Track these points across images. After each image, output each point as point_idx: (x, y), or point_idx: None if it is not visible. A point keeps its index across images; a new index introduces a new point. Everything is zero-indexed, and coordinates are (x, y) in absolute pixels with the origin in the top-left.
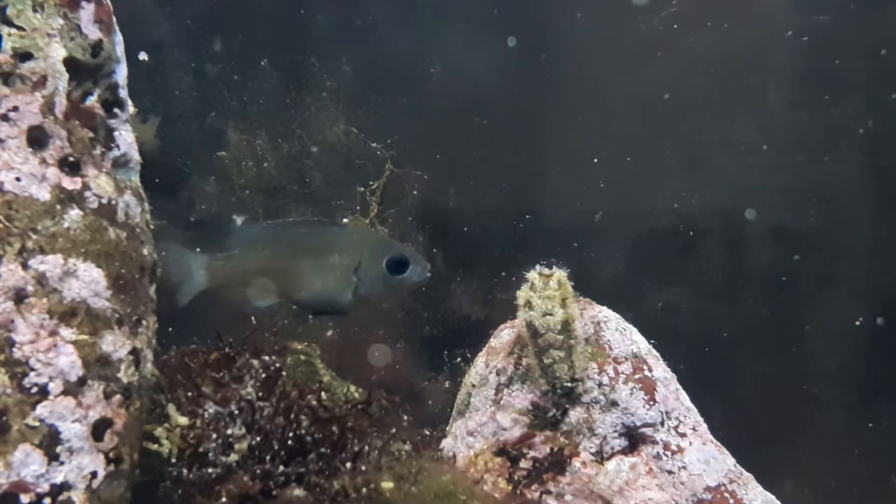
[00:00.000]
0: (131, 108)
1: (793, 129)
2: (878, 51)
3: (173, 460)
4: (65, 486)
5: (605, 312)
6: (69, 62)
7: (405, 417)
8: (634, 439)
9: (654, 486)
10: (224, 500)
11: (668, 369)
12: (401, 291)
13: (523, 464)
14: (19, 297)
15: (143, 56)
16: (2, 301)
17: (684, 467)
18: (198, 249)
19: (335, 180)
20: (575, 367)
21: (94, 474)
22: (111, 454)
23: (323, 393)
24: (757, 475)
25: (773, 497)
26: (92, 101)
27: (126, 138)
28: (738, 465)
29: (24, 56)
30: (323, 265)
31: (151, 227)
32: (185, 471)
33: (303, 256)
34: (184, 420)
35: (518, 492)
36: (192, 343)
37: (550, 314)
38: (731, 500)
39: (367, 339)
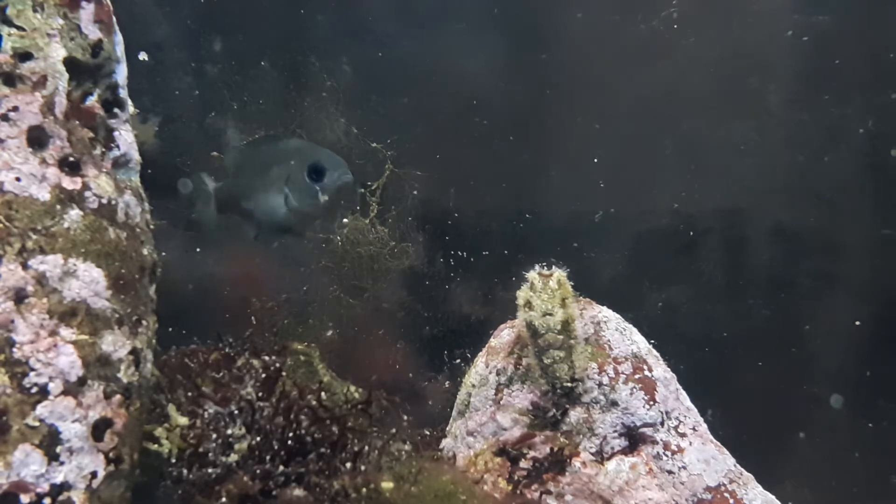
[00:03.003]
0: (131, 108)
1: (793, 129)
2: (878, 51)
3: (173, 460)
4: (65, 486)
5: (605, 312)
6: (69, 62)
7: (405, 417)
8: (634, 439)
9: (654, 486)
10: (224, 500)
11: (668, 369)
12: (329, 203)
13: (523, 464)
14: (19, 297)
15: (143, 56)
16: (2, 301)
17: (684, 467)
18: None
19: None
20: (575, 367)
21: (94, 474)
22: (111, 454)
23: (323, 393)
24: (757, 475)
25: (773, 497)
26: (92, 101)
27: (126, 138)
28: (738, 465)
29: (24, 56)
30: (263, 182)
31: (151, 227)
32: (185, 471)
33: (250, 175)
34: (184, 420)
35: (518, 492)
36: (192, 343)
37: (550, 314)
38: (731, 500)
39: (368, 339)
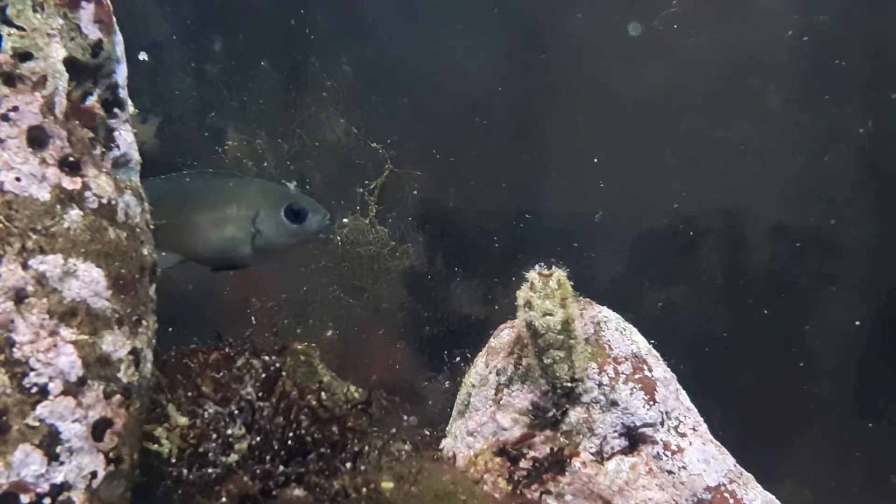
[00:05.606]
0: (131, 108)
1: (793, 129)
2: (878, 51)
3: (173, 460)
4: (65, 486)
5: (605, 312)
6: (69, 62)
7: (405, 417)
8: (634, 439)
9: (654, 485)
10: (224, 500)
11: (668, 369)
12: (303, 241)
13: (523, 464)
14: (19, 297)
15: (143, 56)
16: (2, 301)
17: (684, 467)
18: None
19: (335, 180)
20: (575, 367)
21: (94, 474)
22: (111, 454)
23: (323, 393)
24: (757, 475)
25: (773, 497)
26: (92, 101)
27: (126, 138)
28: (738, 465)
29: (24, 56)
30: (220, 217)
31: (151, 227)
32: (185, 471)
33: (199, 210)
34: (184, 420)
35: (518, 492)
36: (192, 343)
37: (550, 314)
38: (731, 500)
39: (368, 339)
